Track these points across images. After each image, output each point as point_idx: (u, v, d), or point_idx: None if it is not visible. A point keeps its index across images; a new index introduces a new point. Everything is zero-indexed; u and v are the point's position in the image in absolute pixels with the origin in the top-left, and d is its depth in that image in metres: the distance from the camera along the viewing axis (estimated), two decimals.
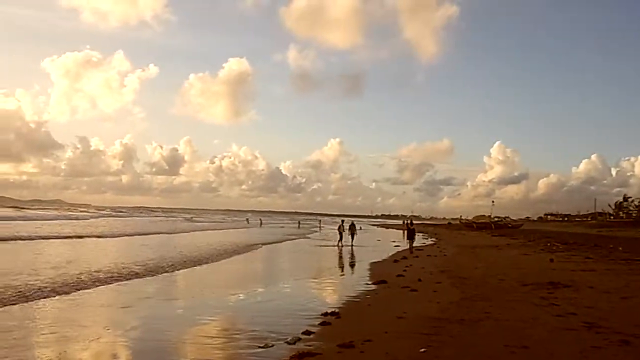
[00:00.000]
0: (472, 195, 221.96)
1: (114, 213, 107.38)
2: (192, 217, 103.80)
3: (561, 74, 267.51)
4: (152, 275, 17.30)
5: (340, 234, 35.34)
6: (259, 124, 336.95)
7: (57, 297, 12.73)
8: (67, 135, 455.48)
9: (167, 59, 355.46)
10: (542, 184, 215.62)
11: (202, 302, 13.07)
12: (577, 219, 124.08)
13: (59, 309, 11.62)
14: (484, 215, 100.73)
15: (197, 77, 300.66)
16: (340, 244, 34.14)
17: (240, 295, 14.48)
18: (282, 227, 74.86)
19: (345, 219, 41.16)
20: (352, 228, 35.68)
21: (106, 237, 37.06)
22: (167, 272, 18.32)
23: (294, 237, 45.78)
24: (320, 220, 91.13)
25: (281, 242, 37.76)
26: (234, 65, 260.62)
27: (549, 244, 37.59)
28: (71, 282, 14.90)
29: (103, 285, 14.93)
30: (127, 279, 16.18)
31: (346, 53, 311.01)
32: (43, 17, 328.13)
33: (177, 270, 18.96)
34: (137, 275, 17.04)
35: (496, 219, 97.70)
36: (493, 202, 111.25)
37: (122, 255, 24.56)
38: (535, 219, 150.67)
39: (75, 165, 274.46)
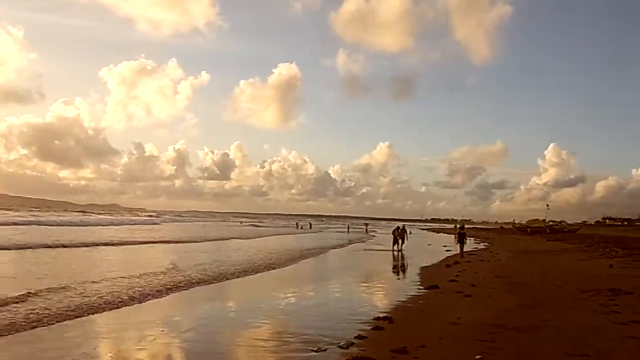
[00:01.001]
0: (526, 198, 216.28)
1: (177, 218, 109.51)
2: (241, 222, 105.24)
3: (618, 73, 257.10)
4: (220, 281, 17.33)
5: (395, 238, 34.78)
6: (308, 129, 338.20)
7: (167, 296, 13.12)
8: (123, 142, 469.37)
9: (218, 66, 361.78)
10: (600, 187, 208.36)
11: (256, 306, 13.21)
12: (637, 224, 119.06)
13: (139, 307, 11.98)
14: (538, 220, 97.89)
15: (247, 83, 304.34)
16: (394, 248, 33.71)
17: (293, 299, 14.59)
18: (332, 231, 74.87)
19: (400, 223, 40.58)
20: (402, 232, 35.19)
21: (184, 242, 37.06)
22: (234, 278, 18.21)
23: (346, 241, 45.63)
24: (367, 224, 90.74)
25: (334, 247, 37.47)
26: (284, 70, 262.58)
27: (607, 249, 36.13)
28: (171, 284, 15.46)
29: (178, 290, 15.21)
30: (209, 283, 16.41)
31: (396, 56, 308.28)
32: (101, 28, 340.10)
33: (244, 276, 18.78)
34: (204, 281, 16.84)
35: (551, 223, 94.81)
36: (548, 205, 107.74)
37: (208, 259, 24.47)
38: (593, 223, 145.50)
39: (131, 170, 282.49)
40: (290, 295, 15.16)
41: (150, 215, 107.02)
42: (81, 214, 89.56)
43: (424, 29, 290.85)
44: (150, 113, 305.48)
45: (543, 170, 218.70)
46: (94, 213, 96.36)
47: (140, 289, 14.32)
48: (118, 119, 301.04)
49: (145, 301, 12.95)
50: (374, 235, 61.54)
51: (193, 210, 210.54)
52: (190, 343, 9.24)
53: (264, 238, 45.40)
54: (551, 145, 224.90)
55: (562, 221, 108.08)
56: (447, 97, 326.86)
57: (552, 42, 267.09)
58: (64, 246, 27.95)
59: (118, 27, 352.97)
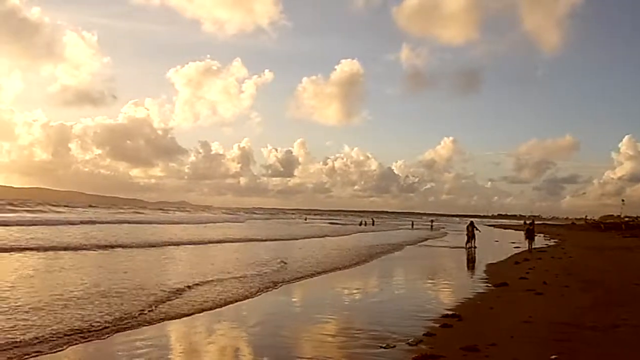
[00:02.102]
0: (599, 193, 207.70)
1: (255, 215, 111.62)
2: (306, 219, 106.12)
3: None
4: (304, 279, 17.21)
5: (468, 235, 33.80)
6: (370, 125, 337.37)
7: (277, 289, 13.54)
8: (190, 141, 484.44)
9: (281, 64, 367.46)
10: None
11: (324, 302, 13.33)
12: None
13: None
14: (612, 215, 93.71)
15: (310, 80, 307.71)
16: (468, 245, 32.68)
17: (361, 295, 14.63)
18: (397, 228, 74.15)
19: (471, 220, 39.37)
20: (471, 229, 33.91)
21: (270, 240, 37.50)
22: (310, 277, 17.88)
23: (415, 238, 44.89)
24: (432, 221, 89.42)
25: (403, 244, 36.79)
26: (346, 66, 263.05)
27: None
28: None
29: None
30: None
31: (461, 49, 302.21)
32: (169, 30, 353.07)
33: (322, 274, 18.56)
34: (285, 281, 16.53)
35: (627, 219, 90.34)
36: (623, 200, 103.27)
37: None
38: None
39: (198, 168, 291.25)
40: (358, 291, 15.21)
41: (234, 213, 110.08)
42: (175, 211, 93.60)
43: (490, 20, 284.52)
44: (215, 112, 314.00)
45: (618, 164, 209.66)
46: (186, 211, 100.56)
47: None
48: (185, 119, 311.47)
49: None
50: (445, 233, 60.34)
51: (258, 207, 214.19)
52: (258, 337, 9.45)
53: (339, 237, 45.14)
54: (626, 137, 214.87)
55: (638, 217, 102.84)
56: (515, 90, 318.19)
57: (625, 29, 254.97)
58: (191, 243, 29.89)
59: (185, 29, 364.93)
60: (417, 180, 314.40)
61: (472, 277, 19.26)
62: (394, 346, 8.50)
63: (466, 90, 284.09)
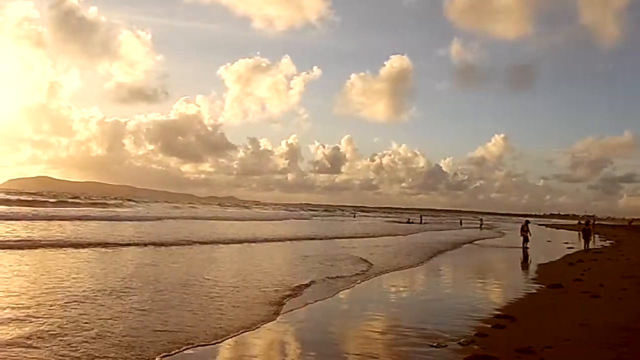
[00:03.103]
0: None
1: (311, 212, 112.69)
2: (355, 216, 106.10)
3: None
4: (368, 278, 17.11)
5: (524, 234, 32.39)
6: (419, 121, 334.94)
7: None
8: (239, 137, 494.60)
9: (329, 61, 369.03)
10: None
11: (374, 299, 13.31)
12: None
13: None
14: None
15: (358, 77, 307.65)
16: (524, 246, 31.62)
17: (411, 293, 14.54)
18: (445, 226, 72.96)
19: (525, 219, 38.12)
20: (525, 229, 32.76)
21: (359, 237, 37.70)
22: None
23: (466, 238, 43.98)
24: (481, 219, 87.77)
25: (456, 244, 35.81)
26: (395, 62, 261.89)
27: None
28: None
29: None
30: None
31: (515, 43, 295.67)
32: (220, 28, 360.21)
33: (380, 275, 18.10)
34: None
35: None
36: None
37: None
38: None
39: (246, 164, 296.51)
40: (407, 289, 15.11)
41: (295, 210, 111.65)
42: (243, 208, 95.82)
43: (546, 14, 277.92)
44: (264, 109, 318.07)
45: None
46: (244, 207, 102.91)
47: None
48: (235, 115, 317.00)
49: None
50: (497, 232, 58.90)
51: (305, 203, 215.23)
52: (306, 333, 9.52)
53: (394, 237, 44.77)
54: None
55: None
56: (570, 86, 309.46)
57: None
58: (285, 239, 31.22)
59: (235, 27, 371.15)
60: (466, 177, 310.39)
61: (524, 278, 18.83)
62: (445, 345, 8.42)
63: (519, 86, 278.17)
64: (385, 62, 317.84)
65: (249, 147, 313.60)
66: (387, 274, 17.70)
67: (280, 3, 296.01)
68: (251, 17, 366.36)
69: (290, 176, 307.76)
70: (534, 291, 14.74)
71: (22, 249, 19.14)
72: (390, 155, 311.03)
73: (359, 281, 15.67)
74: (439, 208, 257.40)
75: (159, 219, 45.25)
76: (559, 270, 20.36)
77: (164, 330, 8.85)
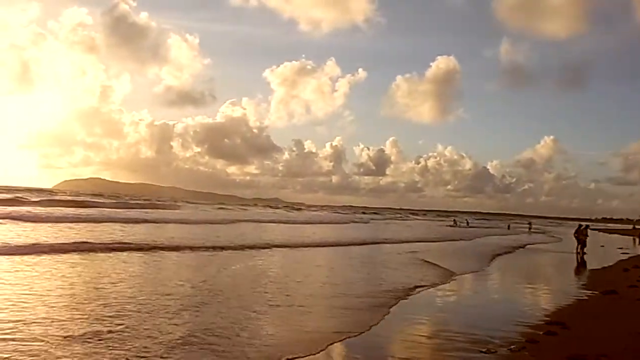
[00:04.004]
0: None
1: (372, 216, 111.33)
2: (402, 216, 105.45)
3: None
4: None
5: (578, 239, 31.25)
6: (465, 123, 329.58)
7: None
8: (285, 139, 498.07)
9: (374, 62, 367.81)
10: None
11: (421, 303, 13.18)
12: None
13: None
14: None
15: (403, 79, 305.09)
16: (578, 251, 30.52)
17: (460, 298, 14.33)
18: (492, 229, 71.01)
19: (583, 223, 36.61)
20: (584, 233, 31.56)
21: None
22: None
23: (519, 242, 42.72)
24: (530, 223, 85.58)
25: (509, 248, 34.79)
26: (442, 64, 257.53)
27: None
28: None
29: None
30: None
31: (566, 43, 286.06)
32: (266, 31, 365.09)
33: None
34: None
35: None
36: None
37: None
38: None
39: (291, 166, 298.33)
40: (454, 293, 14.88)
41: (350, 213, 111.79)
42: (296, 210, 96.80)
43: (598, 12, 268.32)
44: (309, 111, 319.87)
45: None
46: (297, 209, 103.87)
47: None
48: (280, 117, 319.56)
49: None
50: (548, 236, 57.19)
51: (349, 206, 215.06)
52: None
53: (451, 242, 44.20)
54: None
55: None
56: (624, 86, 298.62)
57: None
58: (361, 243, 30.77)
59: (281, 30, 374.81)
60: (514, 180, 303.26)
61: (577, 283, 18.33)
62: (495, 352, 8.29)
63: (570, 87, 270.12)
64: (431, 63, 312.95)
65: (294, 149, 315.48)
66: (458, 278, 17.51)
67: (327, 5, 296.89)
68: (297, 20, 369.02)
69: (334, 178, 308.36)
70: (588, 298, 14.34)
71: (138, 250, 19.57)
72: (435, 158, 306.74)
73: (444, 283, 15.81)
74: (485, 211, 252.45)
75: (232, 222, 45.25)
76: (613, 276, 19.73)
77: (307, 331, 9.27)
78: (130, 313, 9.65)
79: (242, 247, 23.34)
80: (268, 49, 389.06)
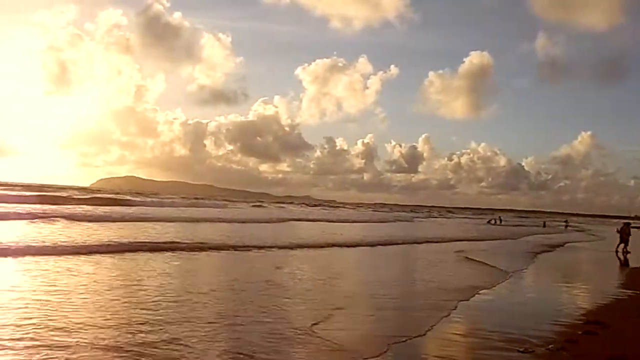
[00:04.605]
0: None
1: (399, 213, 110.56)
2: (440, 214, 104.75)
3: None
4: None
5: (621, 237, 30.09)
6: (499, 119, 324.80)
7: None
8: (316, 137, 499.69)
9: (407, 59, 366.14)
10: None
11: (474, 304, 13.04)
12: None
13: None
14: None
15: (436, 75, 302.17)
16: (620, 249, 29.57)
17: (493, 296, 14.12)
18: (527, 227, 69.67)
19: (627, 221, 35.41)
20: (627, 232, 30.44)
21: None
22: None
23: (559, 241, 41.95)
24: (567, 221, 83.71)
25: (548, 246, 34.50)
26: (475, 59, 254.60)
27: None
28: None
29: None
30: None
31: (604, 36, 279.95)
32: (298, 30, 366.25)
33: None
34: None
35: None
36: None
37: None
38: None
39: (323, 164, 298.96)
40: (490, 292, 14.67)
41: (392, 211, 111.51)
42: (332, 208, 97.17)
43: (638, 2, 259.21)
44: (341, 108, 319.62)
45: None
46: (337, 206, 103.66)
47: None
48: (311, 115, 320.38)
49: None
50: (585, 234, 55.76)
51: (380, 203, 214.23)
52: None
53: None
54: None
55: None
56: None
57: None
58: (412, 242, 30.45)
59: (313, 28, 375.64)
60: (549, 177, 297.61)
61: (618, 283, 17.88)
62: (532, 351, 8.13)
63: (608, 81, 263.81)
64: (464, 59, 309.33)
65: (326, 146, 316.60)
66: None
67: (359, 3, 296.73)
68: (329, 18, 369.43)
69: (366, 176, 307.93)
70: (628, 297, 13.96)
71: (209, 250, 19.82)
72: (469, 154, 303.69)
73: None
74: (520, 208, 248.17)
75: (282, 221, 45.62)
76: None
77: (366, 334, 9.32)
78: None
79: (300, 246, 23.41)
80: (300, 47, 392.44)
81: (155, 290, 11.59)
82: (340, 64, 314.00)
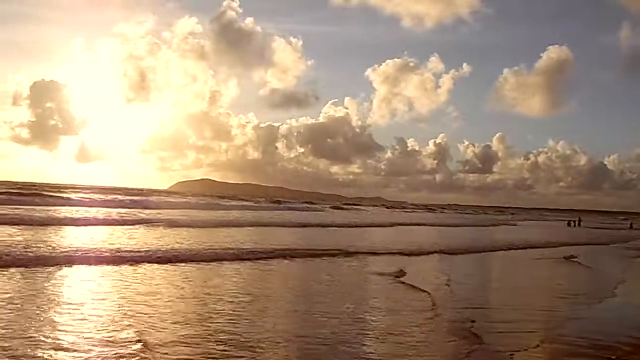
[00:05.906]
0: None
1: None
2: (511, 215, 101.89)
3: None
4: None
5: None
6: (579, 115, 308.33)
7: None
8: (387, 137, 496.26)
9: (480, 57, 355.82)
10: None
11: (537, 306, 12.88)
12: None
13: None
14: None
15: (511, 72, 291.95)
16: None
17: (579, 300, 13.83)
18: (612, 229, 66.23)
19: None
20: None
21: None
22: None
23: None
24: (631, 222, 78.94)
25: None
26: (553, 54, 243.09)
27: None
28: None
29: None
30: None
31: None
32: (368, 30, 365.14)
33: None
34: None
35: None
36: None
37: None
38: None
39: (394, 165, 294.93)
40: (574, 297, 14.37)
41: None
42: (416, 210, 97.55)
43: None
44: (412, 108, 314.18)
45: None
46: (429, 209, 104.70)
47: None
48: (382, 116, 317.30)
49: None
50: None
51: (454, 204, 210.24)
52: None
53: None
54: None
55: None
56: None
57: None
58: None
59: (383, 27, 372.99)
60: (635, 176, 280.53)
61: None
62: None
63: None
64: (541, 54, 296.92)
65: (397, 147, 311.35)
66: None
67: (430, 0, 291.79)
68: (399, 17, 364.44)
69: (438, 176, 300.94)
70: None
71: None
72: (546, 153, 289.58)
73: None
74: (603, 209, 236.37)
75: (392, 225, 45.51)
76: None
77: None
78: None
79: (441, 252, 23.34)
80: (370, 48, 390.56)
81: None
82: (411, 64, 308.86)
